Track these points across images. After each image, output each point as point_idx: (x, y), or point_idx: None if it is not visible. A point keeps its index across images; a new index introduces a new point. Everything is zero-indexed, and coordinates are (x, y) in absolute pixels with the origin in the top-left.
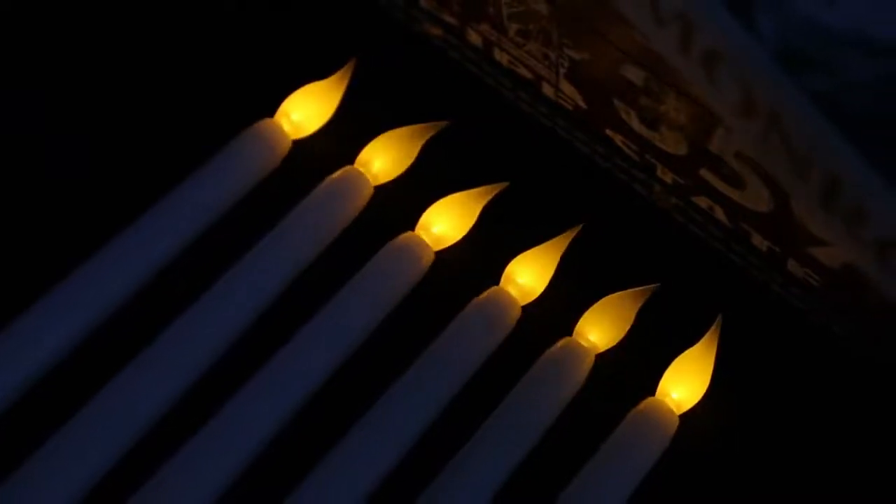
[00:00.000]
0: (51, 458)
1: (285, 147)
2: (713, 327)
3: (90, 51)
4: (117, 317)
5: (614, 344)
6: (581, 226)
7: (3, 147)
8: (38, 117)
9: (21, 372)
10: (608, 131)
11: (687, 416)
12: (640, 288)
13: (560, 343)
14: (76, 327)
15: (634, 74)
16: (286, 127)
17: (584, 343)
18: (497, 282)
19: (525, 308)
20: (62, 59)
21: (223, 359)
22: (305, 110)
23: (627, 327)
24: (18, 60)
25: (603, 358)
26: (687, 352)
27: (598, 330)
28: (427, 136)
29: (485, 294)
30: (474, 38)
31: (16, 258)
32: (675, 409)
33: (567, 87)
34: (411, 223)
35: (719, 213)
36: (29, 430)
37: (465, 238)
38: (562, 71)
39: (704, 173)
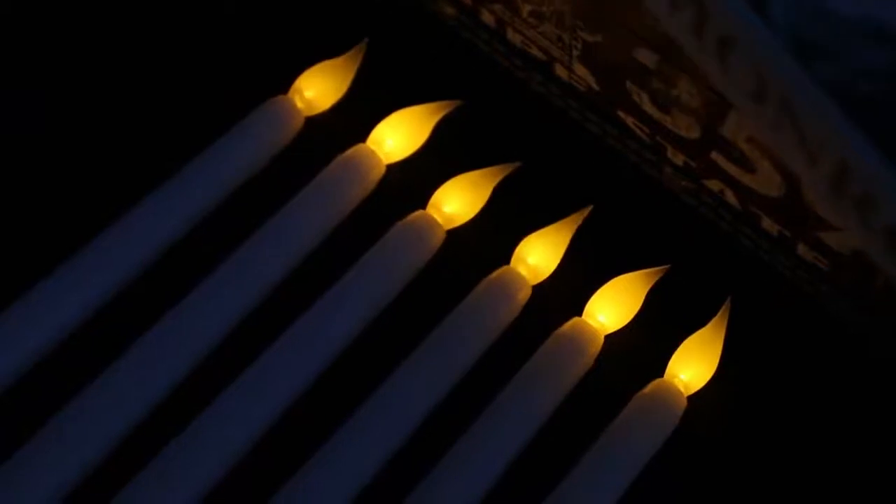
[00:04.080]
0: (40, 447)
1: (298, 124)
2: (722, 309)
3: (90, 51)
4: (127, 291)
5: (624, 325)
6: (592, 207)
7: (3, 147)
8: (38, 117)
9: (33, 343)
10: (620, 113)
11: (695, 398)
12: (651, 269)
13: (570, 323)
14: (83, 303)
15: (647, 58)
16: (299, 104)
17: (593, 323)
18: (508, 261)
19: (535, 288)
20: (62, 59)
21: (233, 336)
22: (319, 88)
23: (637, 308)
24: (18, 60)
25: (612, 339)
26: (696, 333)
27: (608, 310)
28: (439, 116)
29: (495, 273)
30: (487, 18)
31: (16, 258)
32: (683, 391)
33: (580, 69)
34: (423, 202)
35: (730, 197)
36: (24, 416)
37: (476, 217)
38: (575, 53)
39: (716, 157)
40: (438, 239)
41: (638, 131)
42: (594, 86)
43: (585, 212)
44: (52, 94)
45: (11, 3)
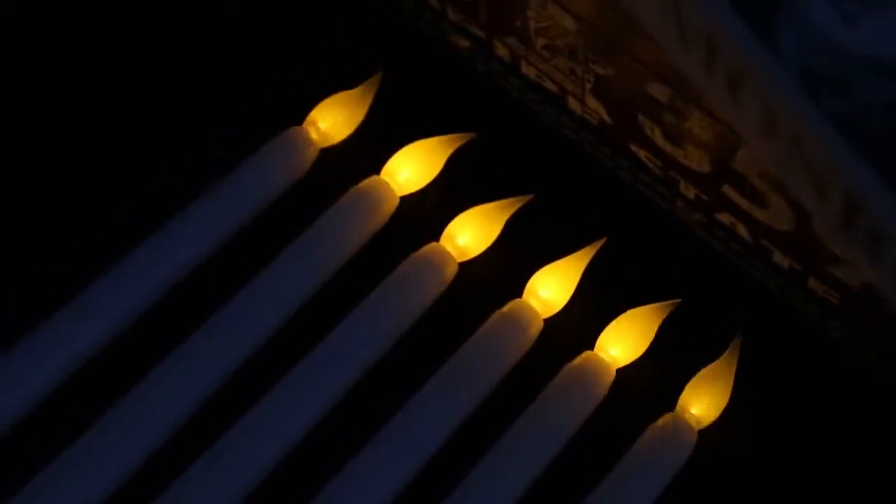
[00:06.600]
0: (73, 462)
1: (313, 155)
2: (733, 343)
3: (90, 51)
4: (141, 324)
5: (635, 358)
6: (604, 240)
7: (3, 147)
8: (38, 117)
9: (58, 366)
10: (632, 146)
11: (706, 432)
12: (662, 303)
13: (581, 356)
14: (97, 334)
15: (659, 91)
16: (314, 135)
17: (605, 357)
18: (520, 294)
19: (547, 321)
20: (62, 59)
21: (246, 367)
22: (333, 119)
23: (649, 342)
24: (18, 60)
25: (624, 372)
26: (707, 368)
27: (620, 344)
28: (453, 148)
29: (507, 306)
30: (502, 50)
31: (15, 258)
32: (694, 425)
33: (592, 102)
34: (436, 234)
35: (741, 230)
36: (54, 433)
37: (488, 250)
38: (587, 86)
39: (727, 190)
40: (451, 271)
41: (650, 164)
42: (607, 119)
43: (598, 245)
44: (52, 94)
45: (11, 3)
